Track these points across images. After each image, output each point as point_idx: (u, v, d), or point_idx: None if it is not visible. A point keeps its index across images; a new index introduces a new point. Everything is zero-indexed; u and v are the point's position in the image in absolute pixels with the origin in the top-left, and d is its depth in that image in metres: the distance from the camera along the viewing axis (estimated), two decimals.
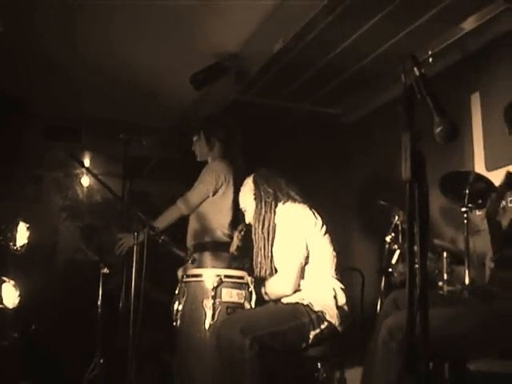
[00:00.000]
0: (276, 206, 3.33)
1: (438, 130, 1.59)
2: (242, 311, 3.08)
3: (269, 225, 3.29)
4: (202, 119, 4.53)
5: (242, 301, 3.11)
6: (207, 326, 3.01)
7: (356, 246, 5.64)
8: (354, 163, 6.01)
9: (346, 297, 3.22)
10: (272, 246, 3.28)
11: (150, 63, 5.03)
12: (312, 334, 3.03)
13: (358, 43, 4.33)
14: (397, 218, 4.01)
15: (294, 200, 3.34)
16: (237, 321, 2.92)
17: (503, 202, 2.38)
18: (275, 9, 4.10)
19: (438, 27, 4.04)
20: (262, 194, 3.36)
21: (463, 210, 3.42)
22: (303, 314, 3.05)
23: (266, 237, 3.28)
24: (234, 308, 3.07)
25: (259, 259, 3.30)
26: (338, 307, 3.14)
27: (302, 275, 3.19)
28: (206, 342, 2.98)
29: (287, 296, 3.18)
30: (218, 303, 3.06)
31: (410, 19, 4.00)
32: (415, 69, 1.65)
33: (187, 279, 3.21)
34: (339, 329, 3.12)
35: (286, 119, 5.78)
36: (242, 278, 3.15)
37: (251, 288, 3.13)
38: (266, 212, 3.32)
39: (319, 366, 3.16)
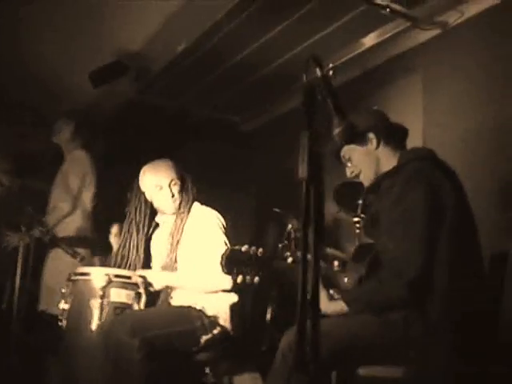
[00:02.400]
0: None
1: (337, 130, 1.60)
2: (132, 311, 3.00)
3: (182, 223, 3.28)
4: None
5: (130, 302, 3.03)
6: (94, 327, 2.91)
7: None
8: (253, 170, 6.03)
9: (241, 302, 3.21)
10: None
11: (54, 58, 4.83)
12: (203, 338, 3.00)
13: (262, 49, 4.35)
14: (290, 226, 4.03)
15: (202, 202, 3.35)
16: (127, 321, 2.84)
17: None
18: (180, 8, 4.04)
19: (340, 39, 4.12)
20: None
21: (355, 220, 3.49)
22: (195, 318, 3.02)
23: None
24: (122, 309, 2.99)
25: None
26: (233, 312, 3.13)
27: None
28: (93, 343, 2.88)
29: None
30: (105, 303, 2.97)
31: (314, 30, 4.05)
32: (317, 70, 1.66)
33: (75, 277, 3.09)
34: (232, 334, 3.11)
35: (187, 122, 5.73)
36: (130, 277, 3.07)
37: (141, 289, 3.05)
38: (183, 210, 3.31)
39: (207, 371, 3.12)
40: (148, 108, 5.25)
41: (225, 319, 3.10)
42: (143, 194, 3.37)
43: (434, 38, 4.22)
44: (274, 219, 4.38)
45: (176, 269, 3.20)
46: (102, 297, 2.96)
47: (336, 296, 2.46)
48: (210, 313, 3.06)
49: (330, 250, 2.83)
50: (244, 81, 4.93)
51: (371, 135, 2.52)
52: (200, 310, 3.05)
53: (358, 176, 2.58)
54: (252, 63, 4.59)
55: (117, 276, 3.04)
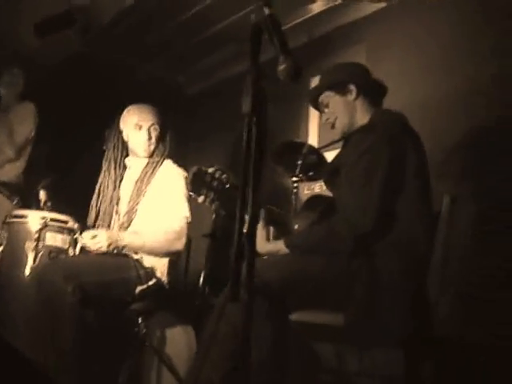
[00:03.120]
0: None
1: (282, 67, 1.61)
2: (67, 257, 2.98)
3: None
4: None
5: (66, 246, 3.02)
6: (28, 270, 2.89)
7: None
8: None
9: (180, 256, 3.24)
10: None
11: None
12: (138, 289, 3.01)
13: (209, 9, 4.36)
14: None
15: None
16: (60, 265, 2.83)
17: None
18: None
19: (288, 3, 4.13)
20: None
21: (294, 179, 3.52)
22: (131, 268, 3.02)
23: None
24: (57, 253, 2.98)
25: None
26: (170, 265, 3.15)
27: None
28: (27, 285, 2.88)
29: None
30: (40, 246, 2.95)
31: None
32: (265, 8, 1.67)
33: (10, 220, 3.05)
34: (167, 286, 3.12)
35: (132, 78, 5.64)
36: (67, 222, 3.05)
37: (77, 235, 3.03)
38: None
39: (140, 321, 3.12)
40: (93, 62, 5.15)
41: (162, 272, 3.11)
42: (121, 133, 3.33)
43: (381, 10, 4.29)
44: None
45: (133, 219, 3.19)
46: (37, 240, 2.95)
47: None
48: (146, 264, 3.07)
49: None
50: (190, 40, 4.89)
51: (352, 86, 2.61)
52: (137, 260, 3.05)
53: (333, 123, 2.66)
54: (199, 22, 4.57)
55: (53, 220, 3.01)
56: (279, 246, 2.42)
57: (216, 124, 5.57)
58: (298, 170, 3.49)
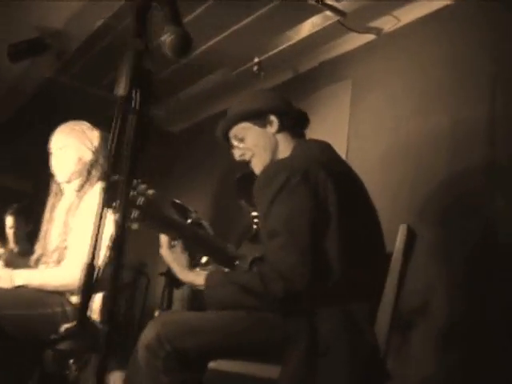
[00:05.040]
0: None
1: (170, 38, 1.34)
2: None
3: None
4: None
5: None
6: None
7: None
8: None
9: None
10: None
11: None
12: (64, 327, 2.65)
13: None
14: None
15: None
16: None
17: None
18: None
19: (265, 30, 3.89)
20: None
21: (253, 214, 3.17)
22: (55, 304, 2.69)
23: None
24: None
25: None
26: (104, 302, 2.79)
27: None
28: None
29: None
30: None
31: (237, 16, 3.81)
32: None
33: None
34: (100, 327, 2.76)
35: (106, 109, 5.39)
36: None
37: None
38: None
39: (70, 363, 2.76)
40: (67, 90, 4.92)
41: (94, 308, 2.76)
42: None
43: (367, 44, 4.06)
44: None
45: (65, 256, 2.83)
46: None
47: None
48: (74, 300, 2.72)
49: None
50: (167, 68, 4.63)
51: (273, 117, 2.24)
52: (63, 295, 2.71)
53: (248, 161, 2.29)
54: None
55: None
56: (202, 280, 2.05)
57: (197, 165, 5.33)
58: None
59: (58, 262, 2.80)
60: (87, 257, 1.25)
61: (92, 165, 2.91)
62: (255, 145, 2.26)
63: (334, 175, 2.00)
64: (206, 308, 2.05)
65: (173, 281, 3.33)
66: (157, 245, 2.14)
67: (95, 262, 1.26)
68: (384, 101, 3.81)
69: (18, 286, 2.66)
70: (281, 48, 4.16)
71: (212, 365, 1.96)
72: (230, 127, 2.31)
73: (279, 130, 2.25)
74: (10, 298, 2.59)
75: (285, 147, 2.24)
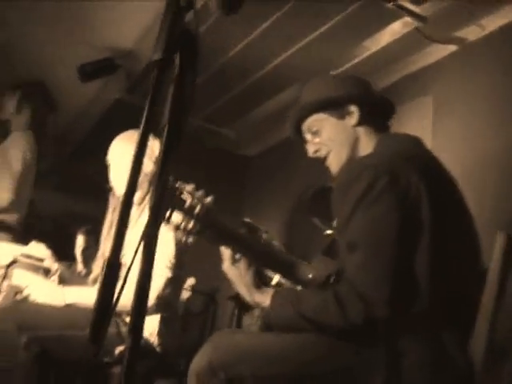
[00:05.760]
0: None
1: None
2: (28, 302, 2.48)
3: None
4: None
5: None
6: None
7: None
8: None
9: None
10: None
11: (40, 54, 4.48)
12: (119, 348, 2.46)
13: (252, 50, 3.88)
14: None
15: None
16: (16, 313, 2.33)
17: None
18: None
19: (340, 41, 3.64)
20: None
21: (328, 233, 2.90)
22: (110, 325, 2.48)
23: None
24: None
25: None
26: (162, 324, 2.59)
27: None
28: None
29: None
30: (5, 286, 2.46)
31: (314, 24, 3.58)
32: None
33: None
34: (158, 349, 2.56)
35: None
36: (42, 260, 2.56)
37: (54, 276, 2.54)
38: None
39: None
40: (136, 110, 4.81)
41: (150, 331, 2.55)
42: None
43: (449, 56, 3.77)
44: None
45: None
46: (3, 278, 2.46)
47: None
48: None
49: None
50: (237, 86, 4.45)
51: (353, 107, 1.94)
52: (119, 315, 2.51)
53: (324, 157, 1.99)
54: (243, 65, 4.11)
55: (25, 256, 2.53)
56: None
57: (270, 191, 5.11)
58: (335, 222, 2.85)
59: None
60: (109, 252, 1.02)
61: (153, 176, 2.73)
62: (332, 139, 1.96)
63: (427, 176, 1.69)
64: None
65: (242, 305, 3.09)
66: None
67: (119, 260, 1.01)
68: (467, 116, 3.53)
69: (69, 305, 2.48)
70: (357, 60, 3.90)
71: None
72: (302, 119, 2.01)
73: (360, 123, 1.94)
74: (58, 318, 2.42)
75: (366, 142, 1.94)
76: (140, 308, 1.04)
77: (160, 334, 2.57)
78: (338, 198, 1.75)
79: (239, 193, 5.49)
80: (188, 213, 1.71)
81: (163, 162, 1.10)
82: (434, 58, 3.87)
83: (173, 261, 2.56)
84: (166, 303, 2.58)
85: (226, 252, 1.83)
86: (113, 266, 1.02)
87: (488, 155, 3.27)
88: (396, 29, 3.53)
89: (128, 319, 2.55)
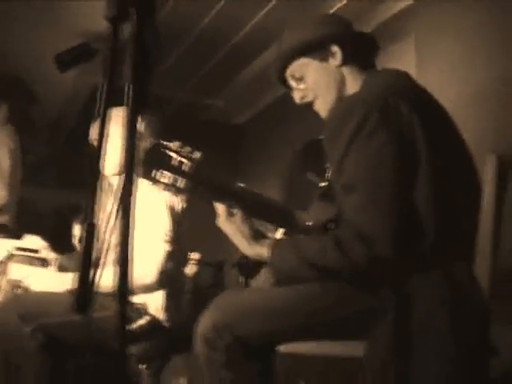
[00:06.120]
0: None
1: None
2: (28, 292, 2.45)
3: None
4: None
5: None
6: None
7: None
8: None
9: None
10: None
11: (13, 47, 4.41)
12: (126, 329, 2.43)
13: (226, 14, 3.81)
14: None
15: None
16: (17, 304, 2.30)
17: None
18: None
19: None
20: None
21: (322, 185, 2.85)
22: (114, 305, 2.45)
23: None
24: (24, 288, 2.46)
25: None
26: (168, 299, 2.56)
27: None
28: None
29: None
30: (3, 282, 2.43)
31: None
32: None
33: None
34: (166, 324, 2.54)
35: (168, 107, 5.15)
36: (37, 251, 2.53)
37: (52, 266, 2.51)
38: None
39: (140, 368, 2.55)
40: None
41: (156, 307, 2.53)
42: None
43: None
44: None
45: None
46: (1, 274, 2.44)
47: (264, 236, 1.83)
48: (136, 299, 2.50)
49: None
50: (215, 55, 4.38)
51: (335, 47, 1.86)
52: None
53: (311, 103, 1.92)
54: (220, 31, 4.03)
55: (20, 249, 2.50)
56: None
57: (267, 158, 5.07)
58: (328, 174, 2.80)
59: (116, 261, 2.58)
60: (87, 215, 0.98)
61: (139, 151, 2.67)
62: (317, 83, 1.88)
63: (418, 107, 1.63)
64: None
65: (246, 271, 3.05)
66: None
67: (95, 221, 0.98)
68: (451, 51, 3.47)
69: (71, 290, 2.45)
70: (333, 11, 3.80)
71: (282, 348, 1.67)
72: (285, 66, 1.93)
73: (344, 62, 1.86)
74: (61, 304, 2.36)
75: (353, 82, 1.86)
76: (123, 273, 0.99)
77: (166, 309, 2.54)
78: (329, 138, 1.68)
79: (235, 163, 5.45)
80: (176, 170, 1.66)
81: (131, 122, 1.05)
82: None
83: (169, 234, 2.53)
84: (169, 277, 2.55)
85: (219, 207, 1.78)
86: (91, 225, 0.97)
87: (474, 86, 3.23)
88: None
89: (132, 298, 2.53)
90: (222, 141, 5.34)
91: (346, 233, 1.56)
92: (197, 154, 1.68)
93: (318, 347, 1.68)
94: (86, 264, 0.99)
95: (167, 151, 1.64)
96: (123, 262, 1.02)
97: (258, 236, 1.77)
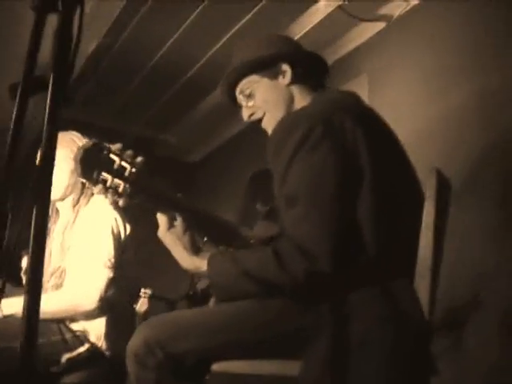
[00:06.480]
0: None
1: None
2: None
3: None
4: None
5: None
6: None
7: None
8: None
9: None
10: None
11: None
12: (65, 356, 2.35)
13: (180, 46, 3.80)
14: None
15: None
16: None
17: None
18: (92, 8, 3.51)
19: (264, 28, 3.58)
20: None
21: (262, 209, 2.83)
22: (54, 332, 2.38)
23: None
24: None
25: None
26: (109, 327, 2.48)
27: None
28: None
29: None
30: None
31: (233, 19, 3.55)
32: None
33: None
34: (107, 353, 2.45)
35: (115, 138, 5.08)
36: None
37: None
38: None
39: None
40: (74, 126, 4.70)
41: (97, 335, 2.45)
42: None
43: (378, 34, 3.79)
44: None
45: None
46: None
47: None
48: (76, 326, 2.42)
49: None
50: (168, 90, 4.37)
51: (285, 66, 1.87)
52: (62, 322, 2.40)
53: (259, 119, 1.92)
54: (174, 63, 4.00)
55: None
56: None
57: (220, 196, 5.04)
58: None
59: (57, 286, 2.50)
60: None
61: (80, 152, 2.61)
62: (266, 100, 1.88)
63: (363, 122, 1.63)
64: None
65: (194, 302, 2.97)
66: None
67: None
68: (402, 89, 3.54)
69: (7, 316, 2.36)
70: None
71: (215, 367, 1.61)
72: (235, 83, 1.93)
73: (293, 81, 1.88)
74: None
75: (302, 100, 1.87)
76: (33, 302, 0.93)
77: (107, 337, 2.46)
78: (274, 151, 1.66)
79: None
80: (118, 175, 1.57)
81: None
82: (363, 37, 3.86)
83: (112, 260, 2.47)
84: (111, 304, 2.48)
85: (161, 217, 1.72)
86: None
87: (422, 122, 3.28)
88: (320, 9, 3.50)
89: (72, 325, 2.44)
90: (174, 178, 5.29)
91: (286, 246, 1.53)
92: (139, 159, 1.63)
93: (252, 366, 1.62)
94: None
95: (109, 153, 1.59)
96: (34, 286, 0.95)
97: (198, 249, 1.72)
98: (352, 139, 1.58)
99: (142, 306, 2.84)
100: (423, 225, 1.57)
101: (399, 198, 1.65)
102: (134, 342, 1.58)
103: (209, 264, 1.63)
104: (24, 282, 2.77)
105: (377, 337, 1.48)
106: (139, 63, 4.02)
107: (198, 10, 3.45)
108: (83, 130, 4.51)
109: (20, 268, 2.86)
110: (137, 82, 4.19)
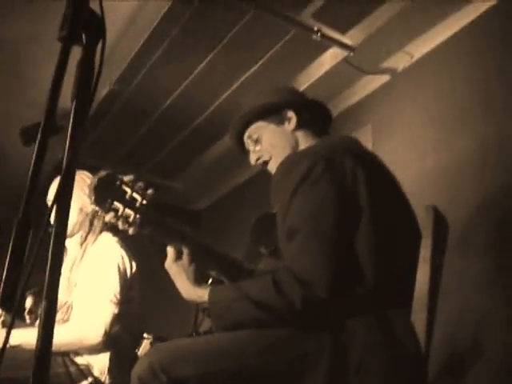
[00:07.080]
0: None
1: None
2: None
3: None
4: None
5: None
6: None
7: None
8: None
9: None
10: None
11: None
12: None
13: (188, 94, 3.89)
14: None
15: None
16: None
17: None
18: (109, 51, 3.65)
19: (270, 78, 3.68)
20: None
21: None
22: (58, 364, 2.42)
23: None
24: None
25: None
26: (113, 361, 2.52)
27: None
28: None
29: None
30: None
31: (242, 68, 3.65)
32: None
33: None
34: None
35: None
36: None
37: None
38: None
39: None
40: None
41: (101, 369, 2.49)
42: None
43: (382, 86, 3.91)
44: None
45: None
46: None
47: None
48: (80, 360, 2.45)
49: None
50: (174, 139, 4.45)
51: (290, 113, 2.02)
52: (66, 355, 2.44)
53: (265, 163, 2.05)
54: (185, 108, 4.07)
55: None
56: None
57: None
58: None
59: (63, 321, 2.55)
60: (20, 212, 1.00)
61: (94, 215, 2.70)
62: (272, 145, 2.02)
63: (363, 162, 1.74)
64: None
65: None
66: None
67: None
68: (406, 139, 3.63)
69: (14, 347, 2.40)
70: None
71: None
72: (244, 129, 2.07)
73: (298, 127, 2.02)
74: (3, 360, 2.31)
75: (306, 145, 2.00)
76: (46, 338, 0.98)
77: (110, 372, 2.50)
78: (277, 187, 1.79)
79: None
80: (129, 205, 1.68)
81: (71, 142, 1.09)
82: (368, 89, 3.97)
83: (118, 296, 2.52)
84: (115, 340, 2.52)
85: (170, 250, 1.81)
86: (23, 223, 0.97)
87: (424, 170, 3.37)
88: (326, 60, 3.62)
89: (76, 359, 2.48)
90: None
91: (285, 275, 1.61)
92: (150, 191, 1.71)
93: None
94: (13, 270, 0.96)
95: (121, 184, 1.67)
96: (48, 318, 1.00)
97: (201, 281, 1.79)
98: (352, 177, 1.69)
99: (144, 349, 2.87)
100: (420, 258, 1.63)
101: (397, 234, 1.73)
102: (140, 366, 1.62)
103: (211, 291, 1.71)
104: (28, 320, 2.82)
105: (371, 364, 1.54)
106: (148, 110, 4.09)
107: (207, 59, 3.54)
108: (91, 173, 4.61)
109: (24, 308, 2.90)
110: (145, 129, 4.26)
